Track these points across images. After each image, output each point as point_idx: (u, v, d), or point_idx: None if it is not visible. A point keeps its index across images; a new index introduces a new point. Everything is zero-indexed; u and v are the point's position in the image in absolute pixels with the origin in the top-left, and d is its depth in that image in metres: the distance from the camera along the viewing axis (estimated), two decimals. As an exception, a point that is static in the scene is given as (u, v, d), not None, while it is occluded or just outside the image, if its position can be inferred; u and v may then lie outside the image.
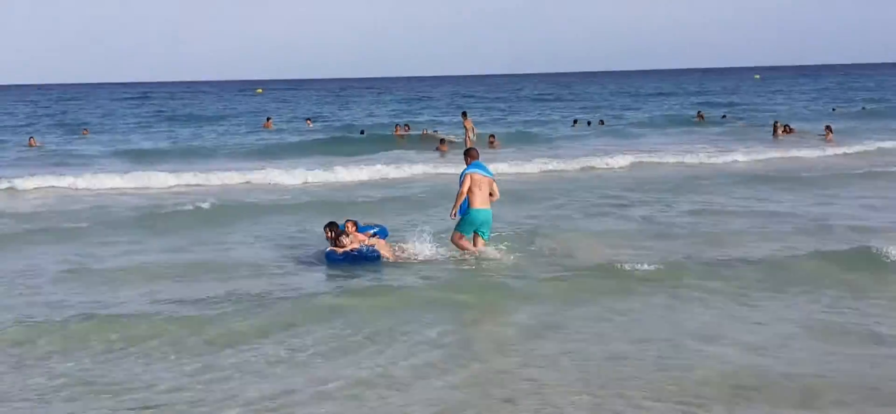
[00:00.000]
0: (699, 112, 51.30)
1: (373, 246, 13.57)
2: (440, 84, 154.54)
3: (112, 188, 23.47)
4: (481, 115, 54.97)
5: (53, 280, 12.61)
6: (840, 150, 30.47)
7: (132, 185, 23.73)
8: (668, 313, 10.49)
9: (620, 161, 27.67)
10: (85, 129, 48.87)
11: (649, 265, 12.34)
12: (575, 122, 47.86)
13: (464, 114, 36.76)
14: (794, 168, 25.87)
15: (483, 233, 13.69)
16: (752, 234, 15.26)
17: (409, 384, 8.26)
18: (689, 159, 28.51)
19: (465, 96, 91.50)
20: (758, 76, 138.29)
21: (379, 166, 26.52)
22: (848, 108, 56.72)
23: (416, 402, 7.86)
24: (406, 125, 42.59)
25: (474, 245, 13.66)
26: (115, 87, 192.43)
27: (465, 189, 13.48)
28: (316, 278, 12.74)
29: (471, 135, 33.29)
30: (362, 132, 43.45)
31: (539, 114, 59.43)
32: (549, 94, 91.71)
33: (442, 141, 33.65)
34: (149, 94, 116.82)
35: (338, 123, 52.60)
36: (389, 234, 14.41)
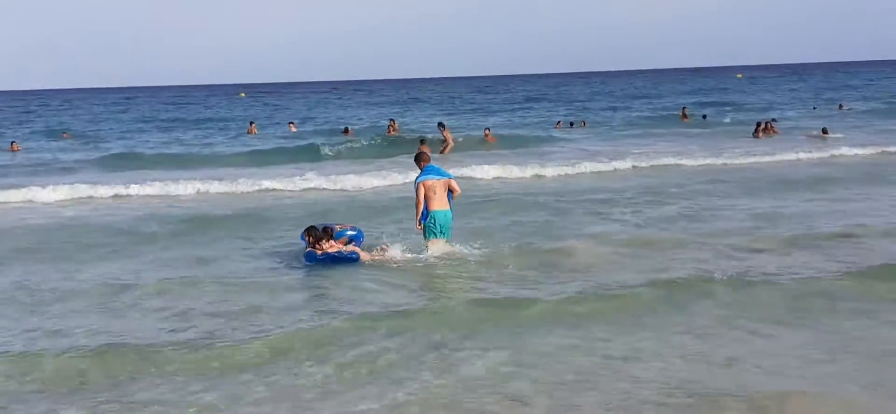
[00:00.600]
0: (683, 110, 51.38)
1: (353, 250, 13.76)
2: (422, 86, 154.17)
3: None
4: (458, 120, 55.03)
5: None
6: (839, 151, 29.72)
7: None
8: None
9: (619, 164, 27.11)
10: (65, 133, 49.79)
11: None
12: (558, 123, 48.17)
13: (440, 124, 36.37)
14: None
15: (445, 234, 13.93)
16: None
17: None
18: (713, 161, 27.75)
19: (417, 99, 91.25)
20: (740, 75, 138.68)
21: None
22: (829, 107, 57.03)
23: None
24: (391, 119, 42.91)
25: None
26: (100, 92, 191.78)
27: (421, 198, 13.78)
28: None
29: (450, 145, 33.47)
30: (346, 131, 43.59)
31: (522, 116, 59.50)
32: (530, 95, 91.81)
33: (422, 141, 33.58)
34: (134, 99, 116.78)
35: (324, 126, 52.33)
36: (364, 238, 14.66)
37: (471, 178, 24.24)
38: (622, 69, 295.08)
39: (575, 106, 69.89)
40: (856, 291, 11.41)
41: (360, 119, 58.59)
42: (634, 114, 56.11)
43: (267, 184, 23.91)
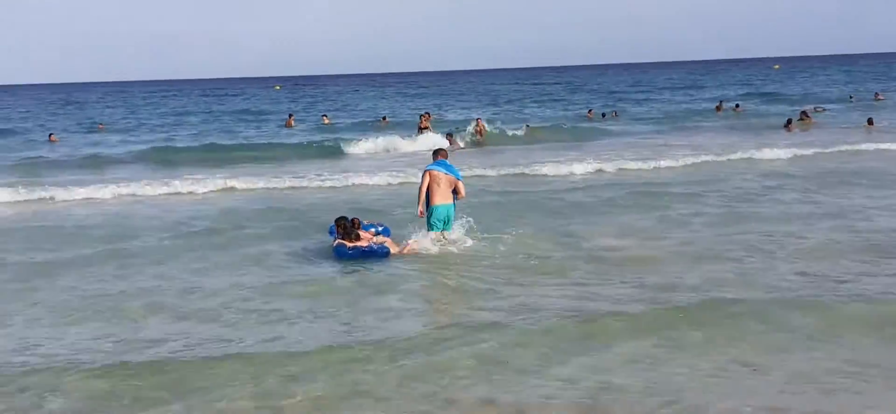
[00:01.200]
0: (719, 104, 50.92)
1: (383, 243, 13.84)
2: (459, 78, 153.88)
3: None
4: (493, 110, 54.94)
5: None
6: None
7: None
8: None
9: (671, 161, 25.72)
10: (100, 125, 50.92)
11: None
12: (590, 111, 49.21)
13: (477, 120, 37.29)
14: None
15: (447, 227, 14.11)
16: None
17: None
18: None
19: (458, 92, 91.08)
20: (777, 66, 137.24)
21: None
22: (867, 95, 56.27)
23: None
24: (427, 113, 42.90)
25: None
26: (138, 84, 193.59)
27: (424, 185, 14.00)
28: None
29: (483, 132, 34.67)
30: (385, 119, 43.99)
31: (563, 106, 59.37)
32: (563, 85, 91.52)
33: (450, 134, 34.32)
34: (168, 92, 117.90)
35: (354, 119, 52.40)
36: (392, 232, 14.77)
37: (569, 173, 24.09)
38: (659, 61, 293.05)
39: (611, 96, 69.66)
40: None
41: (390, 110, 58.68)
42: (673, 106, 55.71)
43: (355, 180, 23.58)
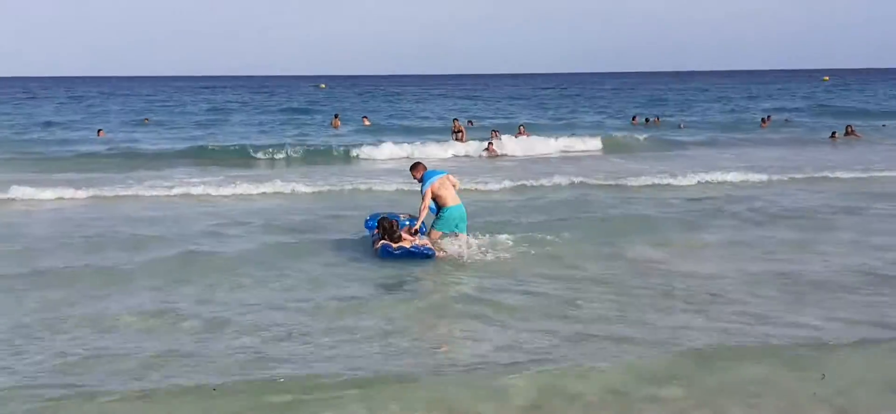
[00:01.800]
0: (769, 116, 50.26)
1: (426, 244, 13.82)
2: (499, 83, 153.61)
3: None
4: (537, 115, 54.66)
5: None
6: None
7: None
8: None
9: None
10: (145, 119, 52.27)
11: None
12: (634, 118, 49.12)
13: (520, 126, 37.79)
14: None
15: (461, 228, 14.19)
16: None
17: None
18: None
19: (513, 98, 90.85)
20: (826, 78, 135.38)
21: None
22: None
23: None
24: (470, 121, 42.91)
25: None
26: (179, 80, 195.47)
27: (428, 201, 14.10)
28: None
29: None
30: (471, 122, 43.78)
31: (608, 112, 59.02)
32: (617, 89, 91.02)
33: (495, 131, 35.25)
34: (214, 88, 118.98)
35: (395, 122, 52.42)
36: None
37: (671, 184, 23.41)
38: (707, 70, 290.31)
39: (657, 104, 69.08)
40: None
41: (425, 113, 58.66)
42: (722, 116, 55.17)
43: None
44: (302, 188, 22.66)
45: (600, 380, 8.26)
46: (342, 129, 45.10)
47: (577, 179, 23.92)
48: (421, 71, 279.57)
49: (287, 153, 31.72)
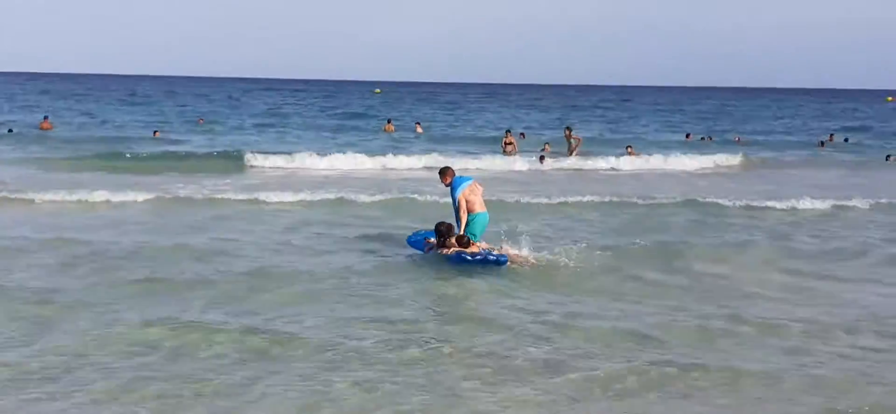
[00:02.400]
0: (831, 135, 49.23)
1: (502, 253, 13.92)
2: (551, 93, 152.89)
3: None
4: (589, 127, 54.10)
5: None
6: None
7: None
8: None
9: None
10: (199, 119, 52.82)
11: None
12: (688, 135, 48.12)
13: (568, 129, 37.11)
14: None
15: (481, 233, 14.40)
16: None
17: None
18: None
19: (572, 107, 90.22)
20: (890, 99, 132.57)
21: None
22: None
23: None
24: (521, 133, 42.49)
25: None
26: (235, 81, 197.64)
27: (464, 207, 14.30)
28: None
29: (573, 144, 34.34)
30: (523, 135, 43.62)
31: (657, 127, 58.27)
32: (662, 108, 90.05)
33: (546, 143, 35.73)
34: (270, 90, 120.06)
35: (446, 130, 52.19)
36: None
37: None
38: (759, 86, 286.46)
39: (709, 119, 68.06)
40: None
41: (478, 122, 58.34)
42: (774, 137, 54.17)
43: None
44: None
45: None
46: (395, 135, 45.08)
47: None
48: (480, 79, 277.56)
49: None
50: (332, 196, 21.51)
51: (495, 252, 13.88)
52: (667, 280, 13.50)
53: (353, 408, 8.16)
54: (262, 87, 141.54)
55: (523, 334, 10.39)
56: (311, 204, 20.76)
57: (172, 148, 35.07)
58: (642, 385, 8.83)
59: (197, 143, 38.10)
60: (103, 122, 50.88)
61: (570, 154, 33.77)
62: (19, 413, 7.91)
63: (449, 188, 14.70)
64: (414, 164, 30.97)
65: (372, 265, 14.04)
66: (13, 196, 20.41)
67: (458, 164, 29.75)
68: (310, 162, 30.42)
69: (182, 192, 21.84)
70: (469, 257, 13.58)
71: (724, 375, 9.10)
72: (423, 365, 9.27)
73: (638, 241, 16.18)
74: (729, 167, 33.27)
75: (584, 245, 15.18)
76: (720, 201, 22.07)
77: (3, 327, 10.29)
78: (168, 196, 21.22)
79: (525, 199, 21.65)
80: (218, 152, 33.18)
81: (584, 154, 33.87)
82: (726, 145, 42.48)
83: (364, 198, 21.37)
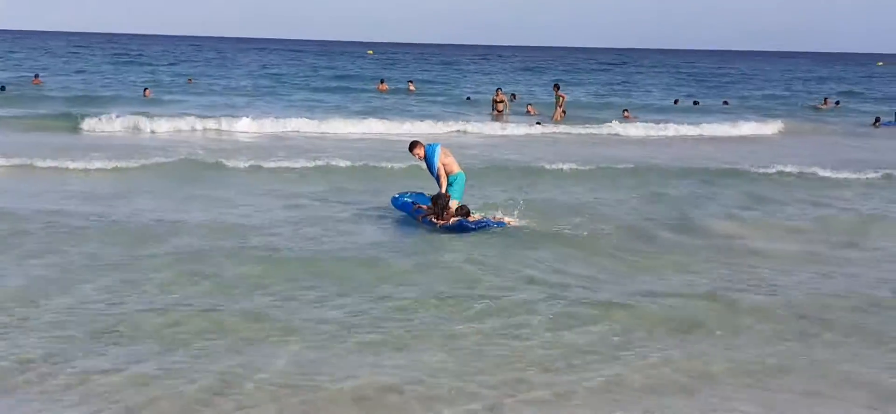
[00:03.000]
0: (825, 99, 49.42)
1: (501, 219, 14.09)
2: (553, 54, 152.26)
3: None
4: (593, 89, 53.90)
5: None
6: None
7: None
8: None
9: None
10: (189, 79, 52.86)
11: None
12: (676, 101, 47.51)
13: (556, 86, 36.82)
14: None
15: (460, 194, 14.44)
16: None
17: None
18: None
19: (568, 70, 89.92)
20: (881, 63, 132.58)
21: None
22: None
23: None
24: (513, 94, 42.42)
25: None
26: (228, 40, 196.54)
27: (444, 174, 14.27)
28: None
29: (559, 102, 34.13)
30: (468, 99, 44.06)
31: (648, 91, 58.14)
32: (646, 71, 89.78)
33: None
34: (262, 49, 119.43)
35: (441, 90, 52.11)
36: None
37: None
38: (755, 50, 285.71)
39: (701, 82, 67.92)
40: None
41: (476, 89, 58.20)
42: (773, 101, 54.18)
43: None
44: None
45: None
46: (388, 96, 45.29)
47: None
48: (474, 41, 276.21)
49: None
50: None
51: (492, 218, 14.05)
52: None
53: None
54: (250, 46, 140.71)
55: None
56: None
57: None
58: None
59: (186, 103, 37.77)
60: (95, 81, 50.45)
61: (556, 112, 33.72)
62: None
63: (422, 160, 14.67)
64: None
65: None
66: None
67: (449, 128, 29.86)
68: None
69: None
70: (472, 226, 13.65)
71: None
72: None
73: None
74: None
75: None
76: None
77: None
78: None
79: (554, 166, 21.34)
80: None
81: (588, 120, 33.85)
82: (716, 111, 42.52)
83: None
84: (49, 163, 19.46)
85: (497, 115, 34.58)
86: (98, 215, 14.25)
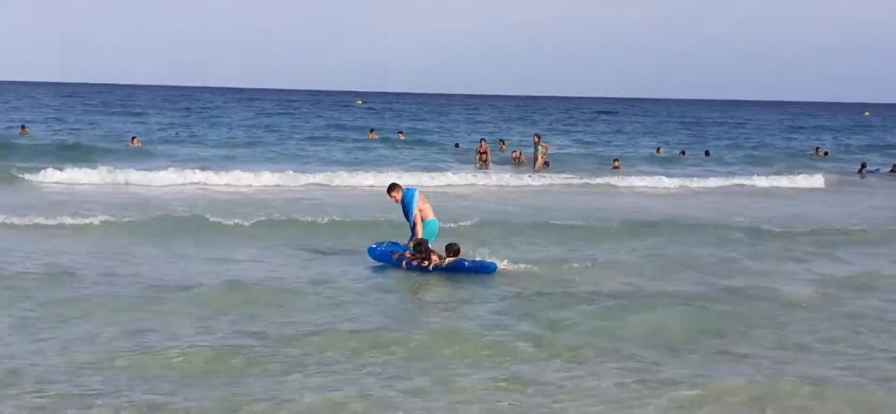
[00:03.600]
0: (817, 149, 49.73)
1: (489, 260, 14.20)
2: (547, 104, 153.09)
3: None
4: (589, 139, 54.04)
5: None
6: None
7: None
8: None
9: None
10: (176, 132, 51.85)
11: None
12: (658, 150, 47.16)
13: (537, 136, 36.83)
14: None
15: (433, 241, 14.49)
16: None
17: None
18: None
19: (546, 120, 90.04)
20: (867, 112, 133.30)
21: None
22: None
23: None
24: (501, 141, 42.52)
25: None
26: (222, 91, 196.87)
27: (419, 222, 14.39)
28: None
29: (540, 152, 34.22)
30: (457, 146, 44.61)
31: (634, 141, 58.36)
32: (638, 121, 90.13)
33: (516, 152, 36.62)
34: (255, 99, 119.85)
35: (431, 139, 52.24)
36: None
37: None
38: (739, 99, 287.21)
39: (695, 131, 68.11)
40: None
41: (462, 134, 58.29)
42: (763, 151, 54.43)
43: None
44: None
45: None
46: (377, 143, 46.00)
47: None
48: (464, 91, 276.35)
49: None
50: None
51: (480, 260, 14.24)
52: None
53: None
54: (245, 96, 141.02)
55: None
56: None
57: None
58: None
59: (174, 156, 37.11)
60: (83, 131, 50.23)
61: (537, 162, 33.68)
62: None
63: (399, 204, 14.68)
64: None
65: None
66: None
67: (430, 180, 29.40)
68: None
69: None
70: (469, 265, 13.93)
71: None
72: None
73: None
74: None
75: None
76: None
77: None
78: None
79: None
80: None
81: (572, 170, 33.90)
82: (700, 160, 42.82)
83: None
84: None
85: (481, 165, 34.64)
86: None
